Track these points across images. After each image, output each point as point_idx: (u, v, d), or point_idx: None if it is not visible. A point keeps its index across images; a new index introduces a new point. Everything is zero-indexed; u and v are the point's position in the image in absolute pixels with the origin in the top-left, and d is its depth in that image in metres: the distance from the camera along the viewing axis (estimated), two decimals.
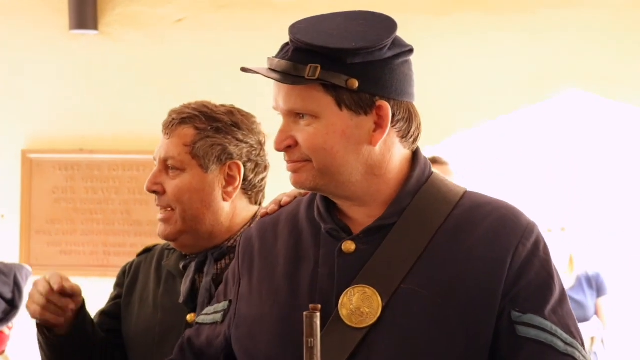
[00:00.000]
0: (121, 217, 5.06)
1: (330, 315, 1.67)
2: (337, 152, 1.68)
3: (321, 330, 1.49)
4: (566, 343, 1.66)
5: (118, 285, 2.41)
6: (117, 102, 5.15)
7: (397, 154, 1.74)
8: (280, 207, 1.88)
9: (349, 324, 1.67)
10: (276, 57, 1.70)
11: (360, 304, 1.67)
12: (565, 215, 5.16)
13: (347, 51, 1.64)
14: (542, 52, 4.97)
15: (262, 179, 2.28)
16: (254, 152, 2.24)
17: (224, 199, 2.21)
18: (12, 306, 3.77)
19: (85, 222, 5.09)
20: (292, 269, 1.76)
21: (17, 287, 3.76)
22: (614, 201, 5.11)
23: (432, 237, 1.70)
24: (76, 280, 2.28)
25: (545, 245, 1.72)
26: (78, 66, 5.22)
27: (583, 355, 1.67)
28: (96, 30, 5.16)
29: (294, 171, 1.72)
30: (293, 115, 1.70)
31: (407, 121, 1.73)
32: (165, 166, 2.21)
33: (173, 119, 2.22)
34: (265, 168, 2.28)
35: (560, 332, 1.66)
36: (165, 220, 2.22)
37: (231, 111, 2.25)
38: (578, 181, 5.20)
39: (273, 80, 1.69)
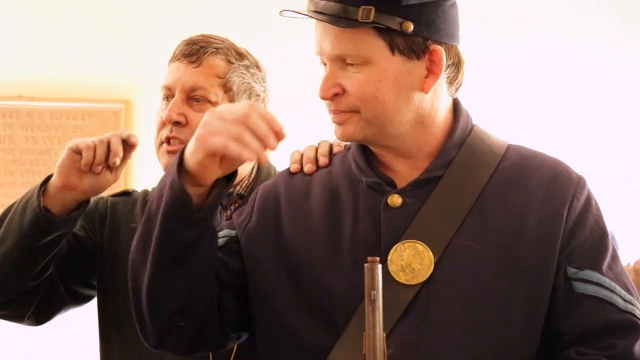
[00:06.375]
0: None
1: None
2: (388, 100, 1.60)
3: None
4: (625, 300, 1.64)
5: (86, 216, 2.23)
6: (61, 47, 4.83)
7: (443, 102, 1.67)
8: (319, 168, 1.76)
9: (400, 280, 1.61)
10: None
11: (411, 260, 1.61)
12: None
13: None
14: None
15: None
16: (268, 96, 2.22)
17: None
18: None
19: (25, 174, 4.81)
20: (330, 222, 1.66)
21: None
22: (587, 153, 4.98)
23: (482, 191, 1.66)
24: None
25: (596, 201, 1.67)
26: (18, 6, 4.85)
27: None
28: None
29: (340, 123, 1.65)
30: (340, 61, 1.63)
31: (457, 66, 1.68)
32: (190, 97, 2.09)
33: (201, 47, 2.10)
34: None
35: (618, 288, 1.64)
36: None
37: (248, 52, 2.21)
38: (548, 129, 5.05)
39: (318, 24, 1.63)
